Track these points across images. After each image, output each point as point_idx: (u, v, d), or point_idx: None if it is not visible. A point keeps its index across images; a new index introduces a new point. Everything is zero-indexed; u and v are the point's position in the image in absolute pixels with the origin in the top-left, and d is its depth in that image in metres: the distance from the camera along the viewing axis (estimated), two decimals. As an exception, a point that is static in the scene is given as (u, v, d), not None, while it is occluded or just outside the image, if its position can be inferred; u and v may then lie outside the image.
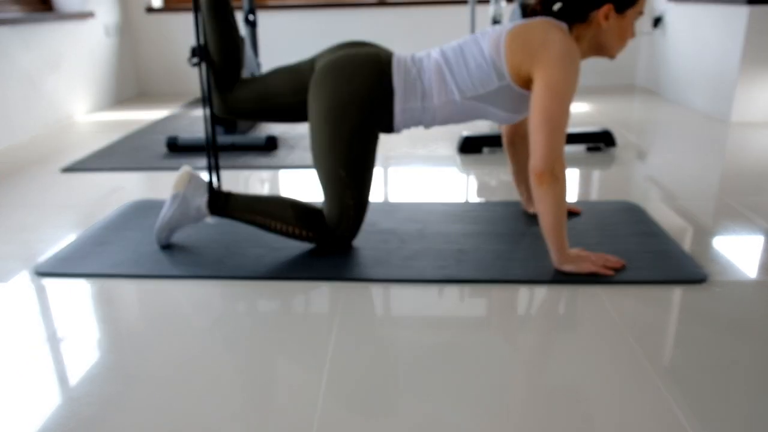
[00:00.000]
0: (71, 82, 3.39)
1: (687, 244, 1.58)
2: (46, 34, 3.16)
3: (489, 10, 3.76)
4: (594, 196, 1.98)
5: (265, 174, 2.32)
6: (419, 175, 2.24)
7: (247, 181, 2.23)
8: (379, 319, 1.26)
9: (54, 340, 1.21)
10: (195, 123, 3.24)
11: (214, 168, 1.58)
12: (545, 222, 1.38)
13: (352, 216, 1.50)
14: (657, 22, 3.69)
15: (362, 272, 1.45)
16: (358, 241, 1.62)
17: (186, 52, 4.15)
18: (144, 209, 1.90)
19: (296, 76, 1.52)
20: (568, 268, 1.41)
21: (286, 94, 1.52)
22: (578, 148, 2.53)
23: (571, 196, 1.98)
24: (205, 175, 2.27)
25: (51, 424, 0.97)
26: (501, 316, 1.26)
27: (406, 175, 2.25)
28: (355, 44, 1.53)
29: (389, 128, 1.49)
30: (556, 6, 1.40)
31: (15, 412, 1.00)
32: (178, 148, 2.59)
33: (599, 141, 2.48)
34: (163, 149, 2.66)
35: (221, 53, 1.54)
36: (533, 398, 1.00)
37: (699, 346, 1.14)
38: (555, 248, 1.41)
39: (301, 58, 4.08)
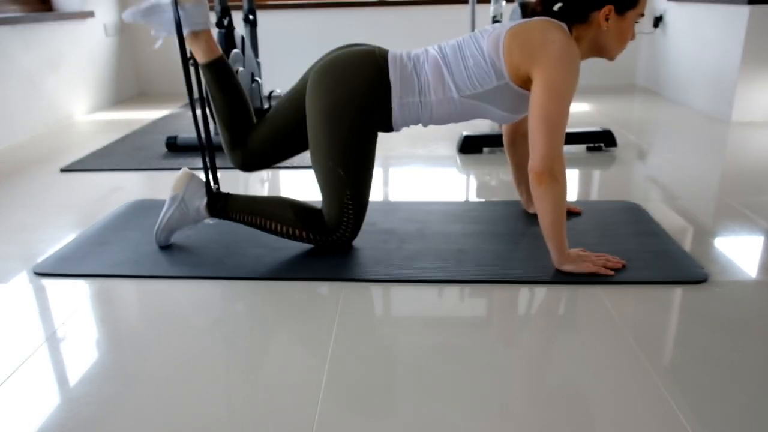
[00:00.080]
0: (71, 82, 3.39)
1: (687, 244, 1.58)
2: (46, 34, 3.16)
3: (489, 9, 3.76)
4: (594, 195, 1.98)
5: (265, 174, 2.32)
6: (419, 175, 2.24)
7: (247, 181, 2.23)
8: (379, 319, 1.26)
9: (54, 340, 1.21)
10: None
11: (211, 169, 1.58)
12: (545, 222, 1.37)
13: (351, 216, 1.50)
14: (657, 21, 3.69)
15: (362, 272, 1.45)
16: (358, 241, 1.62)
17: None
18: (144, 209, 1.90)
19: (295, 95, 1.54)
20: (568, 268, 1.41)
21: (292, 116, 1.54)
22: (579, 148, 2.53)
23: (572, 195, 1.98)
24: (204, 176, 2.26)
25: (50, 424, 0.97)
26: (501, 316, 1.26)
27: (406, 175, 2.25)
28: (350, 45, 1.53)
29: (388, 125, 1.49)
30: (557, 6, 1.39)
31: (15, 412, 1.00)
32: (177, 147, 2.59)
33: (600, 141, 2.48)
34: (163, 149, 2.66)
35: (231, 113, 1.56)
36: (533, 398, 1.00)
37: (699, 346, 1.14)
38: (555, 248, 1.41)
39: (301, 57, 4.08)
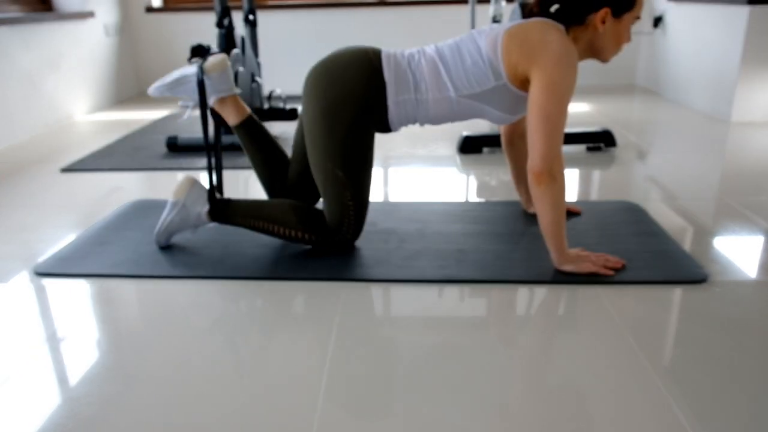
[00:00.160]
0: (71, 82, 3.39)
1: (687, 244, 1.58)
2: (46, 34, 3.16)
3: (489, 9, 3.76)
4: (594, 195, 1.98)
5: (265, 174, 2.31)
6: (419, 175, 2.24)
7: (247, 181, 2.23)
8: (379, 319, 1.26)
9: (54, 340, 1.21)
10: (195, 123, 3.24)
11: (216, 173, 1.59)
12: (544, 222, 1.38)
13: (352, 216, 1.50)
14: (657, 22, 3.69)
15: (362, 272, 1.45)
16: (359, 241, 1.62)
17: (186, 52, 4.15)
18: (144, 209, 1.90)
19: (302, 121, 1.58)
20: (567, 268, 1.41)
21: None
22: (578, 148, 2.53)
23: (571, 195, 1.98)
24: (205, 176, 2.27)
25: (51, 424, 0.97)
26: (501, 316, 1.26)
27: (406, 175, 2.25)
28: (343, 48, 1.54)
29: (385, 125, 1.48)
30: (554, 7, 1.40)
31: (15, 412, 1.00)
32: (177, 148, 2.59)
33: (599, 141, 2.48)
34: (163, 149, 2.66)
35: (271, 172, 1.65)
36: (533, 398, 1.00)
37: (699, 346, 1.14)
38: (554, 248, 1.41)
39: (301, 57, 4.08)
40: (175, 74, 1.58)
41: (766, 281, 1.39)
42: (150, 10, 4.02)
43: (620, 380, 1.04)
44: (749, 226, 1.69)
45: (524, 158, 1.76)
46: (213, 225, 1.70)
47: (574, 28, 1.40)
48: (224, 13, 2.63)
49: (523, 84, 1.39)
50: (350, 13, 3.97)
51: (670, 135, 2.73)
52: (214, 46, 3.38)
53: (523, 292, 1.36)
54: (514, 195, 1.99)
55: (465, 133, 2.52)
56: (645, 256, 1.50)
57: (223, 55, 1.58)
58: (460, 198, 1.99)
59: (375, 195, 2.04)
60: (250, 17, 2.98)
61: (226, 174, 2.30)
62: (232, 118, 1.63)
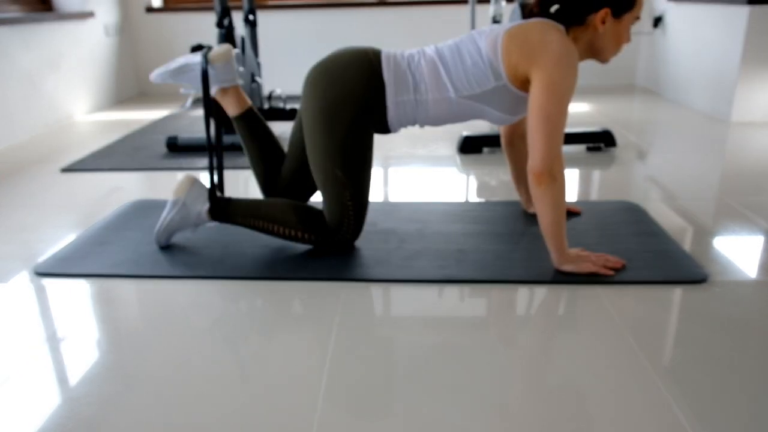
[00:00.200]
0: (71, 82, 3.39)
1: (687, 244, 1.58)
2: (46, 34, 3.16)
3: (489, 9, 3.76)
4: (594, 196, 1.98)
5: (265, 174, 2.31)
6: (419, 175, 2.24)
7: (247, 181, 2.23)
8: (379, 319, 1.26)
9: (54, 340, 1.21)
10: (195, 123, 3.24)
11: (216, 172, 1.59)
12: (544, 222, 1.38)
13: (352, 216, 1.50)
14: (657, 21, 3.69)
15: (362, 272, 1.45)
16: (358, 241, 1.62)
17: (186, 52, 4.15)
18: (144, 209, 1.90)
19: (300, 118, 1.58)
20: (567, 268, 1.41)
21: (302, 138, 1.59)
22: (578, 148, 2.53)
23: (571, 195, 1.98)
24: (205, 176, 2.27)
25: (51, 424, 0.97)
26: (501, 316, 1.26)
27: (406, 175, 2.25)
28: (343, 49, 1.54)
29: (384, 126, 1.48)
30: (554, 8, 1.40)
31: (15, 412, 1.00)
32: (177, 148, 2.59)
33: (599, 141, 2.48)
34: (163, 149, 2.66)
35: (267, 166, 1.65)
36: (533, 398, 1.00)
37: (699, 346, 1.14)
38: (554, 248, 1.41)
39: (301, 57, 4.08)
40: (180, 61, 1.58)
41: (766, 281, 1.39)
42: (150, 10, 4.02)
43: (620, 380, 1.04)
44: (749, 226, 1.69)
45: (524, 158, 1.76)
46: (213, 224, 1.70)
47: (574, 29, 1.40)
48: (224, 13, 2.63)
49: (524, 84, 1.39)
50: (350, 13, 3.97)
51: (670, 135, 2.73)
52: (215, 46, 3.38)
53: (523, 292, 1.36)
54: (514, 195, 1.99)
55: (465, 133, 2.52)
56: (645, 256, 1.50)
57: (227, 45, 1.58)
58: (460, 198, 1.99)
59: (375, 195, 2.04)
60: (250, 17, 2.98)
61: (227, 174, 2.30)
62: (232, 109, 1.63)
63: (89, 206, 1.98)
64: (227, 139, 2.60)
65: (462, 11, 3.94)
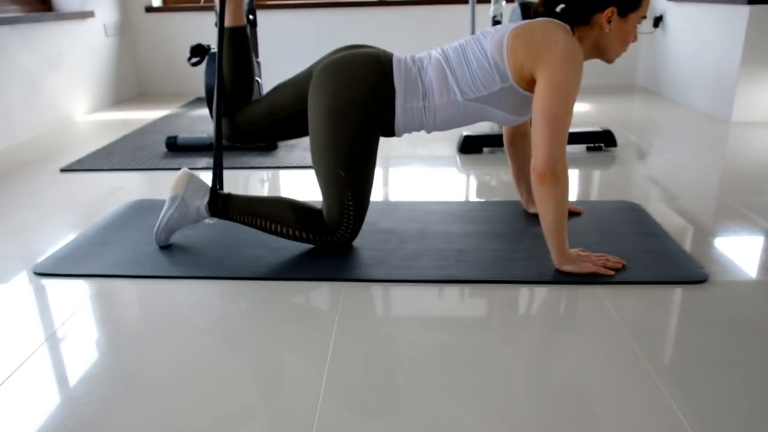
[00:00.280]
0: (71, 82, 3.39)
1: (687, 244, 1.58)
2: (46, 34, 3.16)
3: (489, 9, 3.76)
4: (594, 195, 1.98)
5: (265, 174, 2.32)
6: (419, 175, 2.24)
7: (247, 180, 2.23)
8: (379, 319, 1.26)
9: (54, 340, 1.21)
10: (195, 123, 3.24)
11: (217, 169, 1.58)
12: (546, 222, 1.37)
13: (352, 216, 1.50)
14: (657, 21, 3.69)
15: (362, 272, 1.45)
16: (358, 241, 1.62)
17: (186, 52, 4.15)
18: (143, 209, 1.90)
19: (296, 87, 1.54)
20: (568, 268, 1.41)
21: (290, 105, 1.54)
22: (579, 148, 2.53)
23: (572, 195, 1.98)
24: (204, 176, 2.27)
25: (51, 424, 0.97)
26: (501, 316, 1.26)
27: (406, 175, 2.25)
28: (354, 46, 1.53)
29: (390, 130, 1.49)
30: (559, 7, 1.39)
31: (15, 412, 1.00)
32: (177, 147, 2.59)
33: (600, 141, 2.48)
34: (163, 149, 2.66)
35: (234, 82, 1.58)
36: (533, 398, 1.00)
37: (699, 346, 1.14)
38: (555, 248, 1.41)
39: (301, 57, 4.08)
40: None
41: (766, 281, 1.39)
42: (150, 10, 4.02)
43: (620, 380, 1.04)
44: (749, 226, 1.69)
45: (525, 157, 1.76)
46: (212, 221, 1.70)
47: (579, 28, 1.40)
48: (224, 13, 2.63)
49: (530, 85, 1.39)
50: (350, 13, 3.97)
51: (670, 135, 2.73)
52: (214, 45, 3.38)
53: (523, 292, 1.36)
54: (514, 195, 1.99)
55: (465, 133, 2.52)
56: (645, 256, 1.49)
57: None
58: (460, 198, 1.99)
59: (375, 195, 2.04)
60: (250, 17, 2.98)
61: (227, 174, 2.30)
62: (228, 19, 1.58)
63: (89, 206, 1.98)
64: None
65: (462, 11, 3.94)
